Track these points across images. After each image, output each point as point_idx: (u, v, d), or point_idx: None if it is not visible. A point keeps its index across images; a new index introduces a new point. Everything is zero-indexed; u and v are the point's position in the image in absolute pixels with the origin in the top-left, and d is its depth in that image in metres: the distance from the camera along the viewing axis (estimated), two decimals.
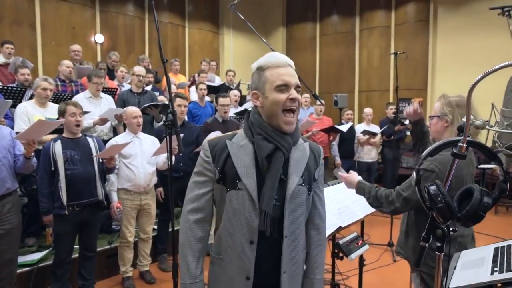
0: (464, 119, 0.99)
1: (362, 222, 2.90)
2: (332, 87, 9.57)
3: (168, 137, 1.92)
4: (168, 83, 1.91)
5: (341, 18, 9.64)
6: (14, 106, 4.09)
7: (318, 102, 5.97)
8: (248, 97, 6.73)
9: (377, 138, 6.27)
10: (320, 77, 10.07)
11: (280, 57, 1.38)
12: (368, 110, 6.36)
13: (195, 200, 1.43)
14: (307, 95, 6.66)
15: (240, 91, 6.73)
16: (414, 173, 1.02)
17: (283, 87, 1.33)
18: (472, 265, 1.38)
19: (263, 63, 1.37)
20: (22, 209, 3.71)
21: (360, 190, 2.07)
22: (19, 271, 3.27)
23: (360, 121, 7.90)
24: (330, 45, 9.83)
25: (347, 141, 6.13)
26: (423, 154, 1.04)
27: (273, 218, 1.36)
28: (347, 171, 2.33)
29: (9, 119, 3.72)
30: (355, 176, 2.16)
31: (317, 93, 9.69)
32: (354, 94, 9.39)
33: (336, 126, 5.72)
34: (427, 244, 1.11)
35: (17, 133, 3.37)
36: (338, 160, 6.03)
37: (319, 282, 1.51)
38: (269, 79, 1.34)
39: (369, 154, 6.24)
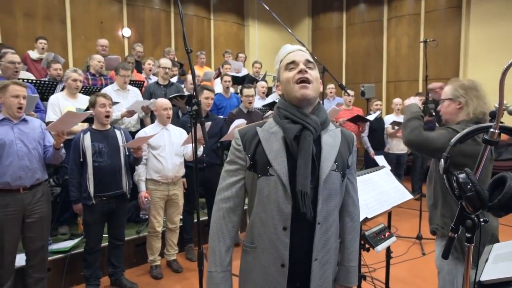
0: (496, 104, 0.94)
1: (389, 214, 2.84)
2: (359, 78, 9.39)
3: (192, 127, 1.94)
4: (193, 73, 1.91)
5: (368, 7, 9.41)
6: (46, 99, 4.24)
7: (347, 93, 5.89)
8: (274, 89, 6.70)
9: None
10: (347, 67, 9.90)
11: (290, 46, 1.45)
12: (397, 100, 6.20)
13: (227, 189, 1.43)
14: (332, 85, 6.58)
15: (266, 82, 6.71)
16: (442, 160, 0.98)
17: (291, 65, 1.38)
18: (505, 258, 1.33)
19: (278, 57, 1.46)
20: (55, 198, 3.87)
21: (407, 111, 2.14)
22: (53, 257, 3.42)
23: (388, 112, 7.73)
24: (357, 35, 9.63)
25: (377, 132, 6.01)
26: (452, 140, 1.00)
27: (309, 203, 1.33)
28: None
29: (41, 112, 3.85)
30: (412, 100, 2.22)
31: (344, 84, 9.56)
32: (382, 85, 9.18)
33: (362, 115, 5.62)
34: (456, 235, 1.07)
35: (47, 123, 3.49)
36: (371, 151, 5.91)
37: (354, 270, 1.50)
38: (281, 66, 1.42)
39: (398, 145, 6.10)
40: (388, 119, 6.13)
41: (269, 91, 6.81)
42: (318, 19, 10.36)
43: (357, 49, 9.62)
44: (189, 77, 5.63)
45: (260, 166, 1.36)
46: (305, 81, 1.35)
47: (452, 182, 0.97)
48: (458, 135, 1.00)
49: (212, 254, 1.42)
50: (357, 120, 5.63)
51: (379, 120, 5.88)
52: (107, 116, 3.21)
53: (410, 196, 2.67)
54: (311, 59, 1.41)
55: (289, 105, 1.39)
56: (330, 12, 10.06)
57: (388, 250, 2.80)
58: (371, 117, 5.65)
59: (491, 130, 0.91)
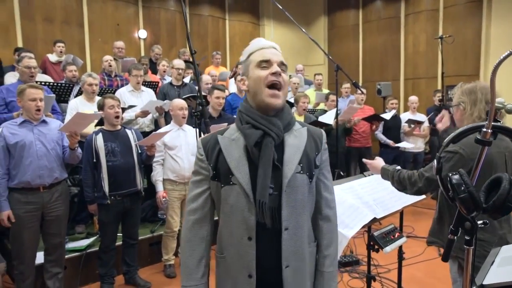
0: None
1: (401, 214, 2.79)
2: (376, 76, 9.25)
3: (197, 127, 1.95)
4: (196, 73, 1.93)
5: (385, 4, 9.26)
6: (64, 101, 4.35)
7: (358, 91, 5.82)
8: (289, 88, 6.67)
9: (424, 129, 6.01)
10: (364, 65, 9.76)
11: (264, 41, 1.38)
12: (413, 98, 6.09)
13: (194, 200, 1.41)
14: (347, 84, 6.51)
15: None
16: (435, 161, 0.96)
17: (265, 63, 1.31)
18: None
19: (249, 49, 1.38)
20: (72, 198, 3.97)
21: (384, 175, 2.05)
22: (69, 255, 3.51)
23: (405, 110, 7.60)
24: (374, 32, 9.49)
25: (392, 130, 5.90)
26: (445, 140, 0.97)
27: (272, 208, 1.29)
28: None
29: (57, 114, 3.94)
30: (379, 162, 2.16)
31: (360, 82, 9.45)
32: (399, 82, 9.02)
33: (378, 114, 5.54)
34: (455, 237, 1.04)
35: None
36: (389, 142, 5.77)
37: (330, 275, 1.42)
38: (252, 61, 1.34)
39: (415, 143, 6.00)
40: (404, 117, 6.02)
41: None
42: (334, 17, 10.26)
43: (374, 47, 9.48)
44: (205, 77, 5.67)
45: (223, 175, 1.33)
46: (276, 85, 1.29)
47: (446, 184, 0.94)
48: (451, 136, 0.97)
49: (183, 268, 1.39)
50: (373, 119, 5.56)
51: (395, 118, 5.79)
52: (117, 117, 3.28)
53: (423, 196, 2.61)
54: (285, 62, 1.35)
55: (251, 109, 1.34)
56: (346, 9, 9.95)
57: (400, 251, 2.76)
58: (387, 115, 5.56)
59: (483, 129, 0.88)
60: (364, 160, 2.33)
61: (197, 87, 5.48)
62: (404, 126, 5.92)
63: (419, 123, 5.85)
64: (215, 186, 1.36)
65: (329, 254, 1.42)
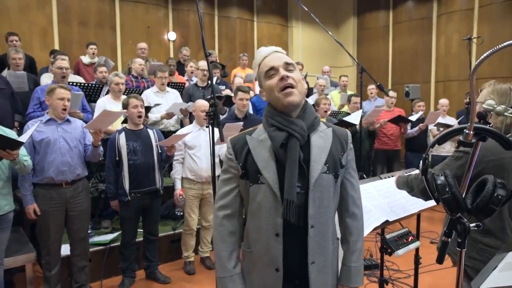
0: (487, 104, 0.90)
1: (418, 218, 2.74)
2: (406, 78, 9.04)
3: (210, 127, 2.00)
4: (210, 75, 1.98)
5: (416, 4, 9.04)
6: (93, 101, 4.54)
7: (390, 94, 5.73)
8: (315, 90, 6.66)
9: None
10: (393, 67, 9.57)
11: (265, 48, 1.44)
12: (443, 101, 5.90)
13: (223, 197, 1.47)
14: (373, 86, 6.42)
15: (307, 83, 6.68)
16: (421, 161, 0.95)
17: (271, 72, 1.37)
18: None
19: (255, 63, 1.44)
20: (99, 194, 4.14)
21: (399, 184, 2.00)
22: (94, 249, 3.66)
23: None
24: (404, 33, 9.28)
25: (420, 134, 5.77)
26: (431, 141, 0.97)
27: (299, 206, 1.34)
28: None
29: (87, 112, 4.12)
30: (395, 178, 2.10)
31: (389, 84, 9.28)
32: (430, 85, 8.77)
33: (402, 115, 5.43)
34: (449, 239, 1.04)
35: None
36: (417, 129, 5.58)
37: (356, 270, 1.48)
38: (261, 72, 1.41)
39: (443, 147, 5.83)
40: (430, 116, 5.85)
41: (310, 92, 6.78)
42: (363, 18, 10.12)
43: (404, 48, 9.27)
44: (237, 79, 5.74)
45: (251, 175, 1.38)
46: (288, 86, 1.34)
47: (431, 184, 0.94)
48: (437, 137, 0.97)
49: (217, 259, 1.46)
50: (399, 120, 5.45)
51: (422, 121, 5.65)
52: (140, 117, 3.39)
53: None
54: (290, 60, 1.39)
55: (274, 112, 1.39)
56: (376, 10, 9.78)
57: (417, 256, 2.71)
58: (413, 117, 5.44)
59: (465, 131, 0.87)
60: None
61: (223, 88, 5.63)
62: (433, 130, 5.75)
63: (448, 126, 5.68)
64: (243, 184, 1.43)
65: (356, 249, 1.48)
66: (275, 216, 1.35)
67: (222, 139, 1.95)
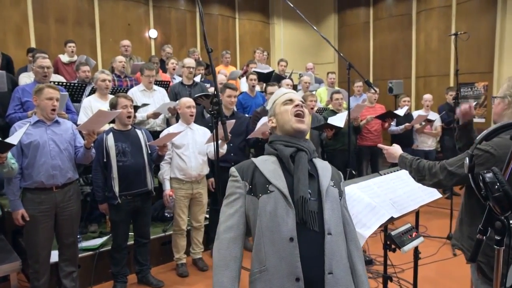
0: None
1: (417, 214, 2.75)
2: (387, 74, 9.17)
3: (214, 126, 1.94)
4: (213, 72, 1.91)
5: (396, 1, 9.15)
6: (76, 101, 4.37)
7: (372, 90, 5.75)
8: (299, 87, 6.63)
9: (436, 127, 5.95)
10: (374, 63, 9.68)
11: (284, 89, 1.68)
12: (427, 97, 5.98)
13: (228, 219, 1.45)
14: (359, 83, 6.45)
15: (292, 80, 6.65)
16: (467, 158, 0.93)
17: (288, 101, 1.56)
18: None
19: (274, 97, 1.63)
20: (85, 197, 3.99)
21: (402, 163, 2.02)
22: (83, 254, 3.52)
23: (417, 108, 7.51)
24: (384, 30, 9.39)
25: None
26: (477, 138, 0.94)
27: (312, 212, 1.35)
28: None
29: (72, 113, 3.96)
30: (397, 149, 2.15)
31: (371, 80, 9.36)
32: (411, 80, 8.92)
33: (391, 111, 5.48)
34: (484, 237, 1.01)
35: (78, 125, 3.60)
36: (401, 127, 5.64)
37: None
38: (278, 102, 1.59)
39: (426, 142, 5.93)
40: (416, 114, 5.94)
41: (294, 89, 6.75)
42: (344, 15, 10.19)
43: (385, 45, 9.39)
44: (219, 76, 5.66)
45: (260, 187, 1.41)
46: (300, 115, 1.51)
47: (478, 182, 0.91)
48: (484, 133, 0.94)
49: (217, 284, 1.36)
50: (387, 116, 5.49)
51: (408, 116, 5.72)
52: (129, 117, 3.27)
53: (439, 195, 2.57)
54: (303, 100, 1.59)
55: (281, 136, 1.52)
56: (357, 7, 9.87)
57: (416, 251, 2.72)
58: (400, 112, 5.49)
59: None
60: (379, 145, 2.31)
61: (207, 85, 5.54)
62: (415, 124, 5.84)
63: (430, 121, 5.78)
64: (250, 201, 1.43)
65: (365, 280, 1.46)
66: (288, 220, 1.34)
67: (226, 138, 1.89)
